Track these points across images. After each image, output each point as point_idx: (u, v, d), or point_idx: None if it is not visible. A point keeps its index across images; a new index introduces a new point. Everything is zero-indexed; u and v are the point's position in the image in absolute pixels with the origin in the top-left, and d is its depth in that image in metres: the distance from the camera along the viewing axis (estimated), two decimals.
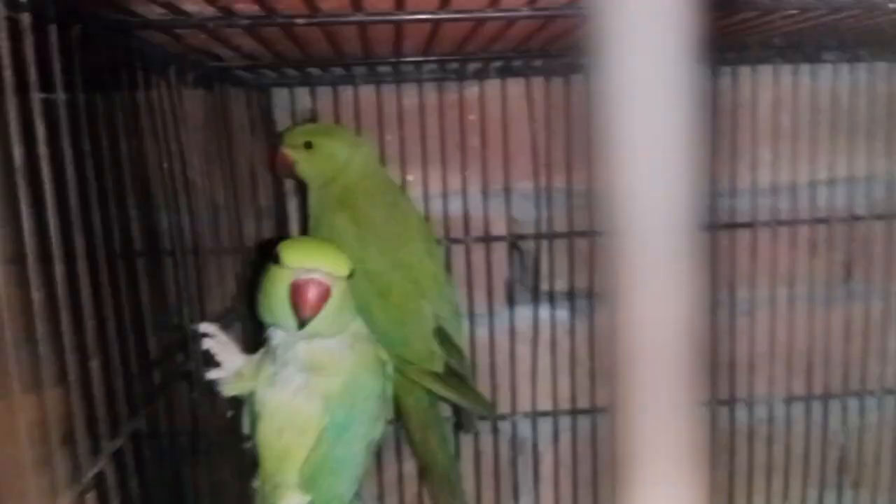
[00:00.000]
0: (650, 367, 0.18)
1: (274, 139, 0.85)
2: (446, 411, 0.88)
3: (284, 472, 0.61)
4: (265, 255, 0.72)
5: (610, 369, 0.18)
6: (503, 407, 0.91)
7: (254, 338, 0.74)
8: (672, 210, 0.17)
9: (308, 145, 0.78)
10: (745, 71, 0.85)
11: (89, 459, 0.36)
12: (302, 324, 0.58)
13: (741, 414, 0.92)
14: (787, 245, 0.89)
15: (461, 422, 0.86)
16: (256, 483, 0.64)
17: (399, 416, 0.86)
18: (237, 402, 0.67)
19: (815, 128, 0.87)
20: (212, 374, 0.61)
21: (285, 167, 0.79)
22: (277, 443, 0.61)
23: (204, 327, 0.59)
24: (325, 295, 0.58)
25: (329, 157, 0.79)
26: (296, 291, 0.58)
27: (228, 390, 0.63)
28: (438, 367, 0.78)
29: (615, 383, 0.18)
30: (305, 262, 0.58)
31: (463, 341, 0.83)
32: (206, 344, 0.60)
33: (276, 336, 0.63)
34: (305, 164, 0.79)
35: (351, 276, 0.61)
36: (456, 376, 0.79)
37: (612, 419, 0.19)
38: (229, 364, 0.62)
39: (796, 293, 0.90)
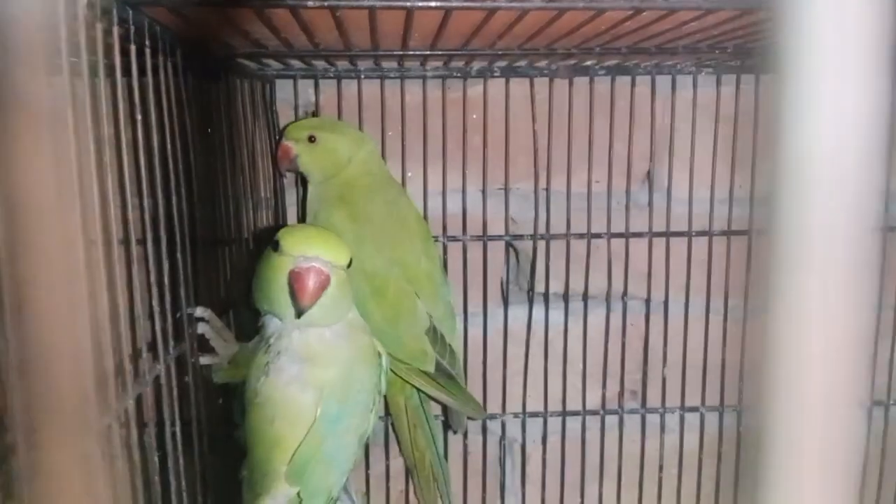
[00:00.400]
0: (814, 370, 0.18)
1: (275, 132, 0.85)
2: (436, 410, 0.88)
3: (273, 462, 0.61)
4: (261, 245, 0.72)
5: (756, 370, 0.18)
6: (493, 407, 0.91)
7: (247, 328, 0.74)
8: (850, 212, 0.17)
9: (311, 139, 0.78)
10: (748, 79, 0.86)
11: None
12: (300, 312, 0.58)
13: (730, 420, 0.93)
14: None
15: (449, 422, 0.86)
16: (244, 472, 0.64)
17: (388, 413, 0.86)
18: (227, 391, 0.67)
19: None
20: (205, 360, 0.61)
21: (287, 160, 0.79)
22: (268, 432, 0.61)
23: (199, 311, 0.59)
24: (324, 283, 0.58)
25: (331, 152, 0.79)
26: (295, 279, 0.57)
27: (220, 377, 0.62)
28: (430, 367, 0.78)
29: (765, 385, 0.18)
30: (306, 250, 0.58)
31: (457, 342, 0.83)
32: (201, 329, 0.60)
33: (271, 325, 0.63)
34: (307, 158, 0.79)
35: (350, 265, 0.61)
36: (447, 376, 0.79)
37: (758, 419, 0.19)
38: (223, 350, 0.62)
39: None
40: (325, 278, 0.58)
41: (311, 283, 0.57)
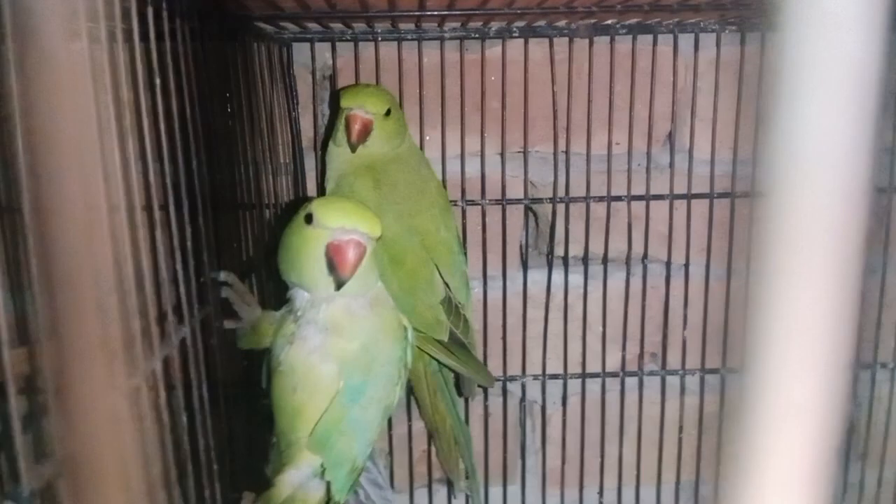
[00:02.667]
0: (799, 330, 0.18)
1: (293, 96, 0.84)
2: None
3: (297, 431, 0.61)
4: (285, 213, 0.72)
5: (741, 332, 0.18)
6: (513, 369, 0.92)
7: (269, 293, 0.75)
8: (848, 174, 0.17)
9: (388, 113, 0.76)
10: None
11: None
12: (340, 284, 0.58)
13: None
14: None
15: (461, 389, 0.87)
16: (273, 439, 0.65)
17: (408, 379, 0.87)
18: (252, 357, 0.68)
19: None
20: (229, 324, 0.62)
21: (366, 133, 0.75)
22: (291, 401, 0.61)
23: (223, 276, 0.59)
24: (362, 255, 0.58)
25: (400, 126, 0.79)
26: (335, 251, 0.57)
27: (244, 343, 0.63)
28: (443, 336, 0.79)
29: (748, 349, 0.18)
30: (344, 222, 0.58)
31: (470, 312, 0.84)
32: (224, 293, 0.60)
33: (299, 296, 0.63)
34: (380, 132, 0.76)
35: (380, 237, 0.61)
36: (460, 345, 0.79)
37: (741, 383, 0.19)
38: (247, 315, 0.62)
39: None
40: (363, 250, 0.58)
41: (350, 255, 0.57)
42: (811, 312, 0.18)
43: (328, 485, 0.62)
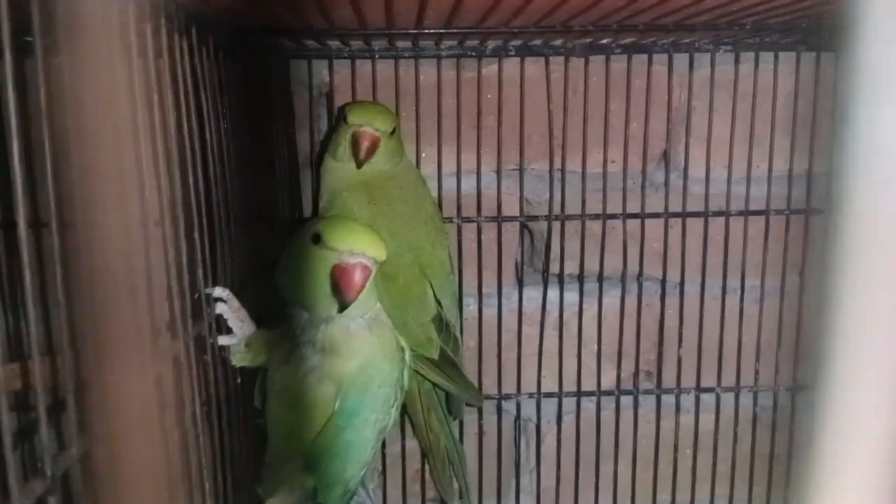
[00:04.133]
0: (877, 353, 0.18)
1: (290, 112, 0.84)
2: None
3: (290, 451, 0.61)
4: (283, 231, 0.72)
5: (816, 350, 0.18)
6: (508, 387, 0.91)
7: (264, 310, 0.75)
8: None
9: (393, 132, 0.77)
10: (767, 57, 0.84)
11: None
12: (343, 307, 0.58)
13: (746, 401, 0.93)
14: (800, 234, 0.88)
15: (449, 407, 0.86)
16: (267, 458, 0.65)
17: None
18: (246, 375, 0.68)
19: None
20: (223, 340, 0.61)
21: (373, 150, 0.75)
22: (285, 421, 0.61)
23: (218, 291, 0.59)
24: (367, 279, 0.58)
25: (401, 145, 0.80)
26: (341, 274, 0.58)
27: (238, 360, 0.63)
28: (434, 354, 0.78)
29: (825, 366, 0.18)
30: (353, 246, 0.58)
31: (459, 331, 0.84)
32: (219, 309, 0.60)
33: (298, 315, 0.63)
34: (386, 149, 0.77)
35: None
36: (450, 364, 0.79)
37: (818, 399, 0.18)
38: (241, 331, 0.62)
39: (807, 282, 0.89)
40: (368, 273, 0.58)
41: (357, 278, 0.57)
42: (888, 326, 0.18)
43: None
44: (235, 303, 0.61)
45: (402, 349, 0.66)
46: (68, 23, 0.22)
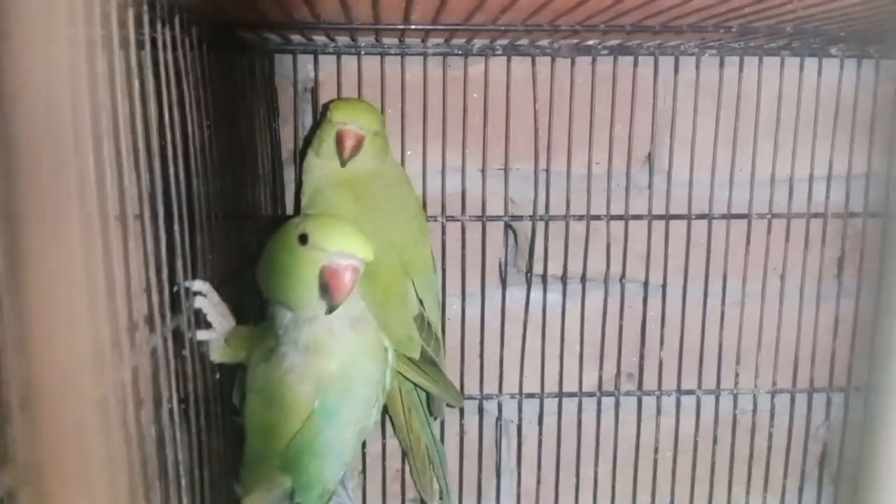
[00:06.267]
0: None
1: (274, 108, 0.84)
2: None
3: (268, 450, 0.60)
4: (266, 228, 0.71)
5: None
6: (490, 388, 0.91)
7: (244, 307, 0.74)
8: None
9: (378, 130, 0.76)
10: (751, 61, 0.85)
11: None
12: (331, 308, 0.57)
13: (726, 403, 0.93)
14: (781, 238, 0.89)
15: (430, 407, 0.86)
16: (245, 457, 0.64)
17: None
18: (224, 372, 0.67)
19: (817, 123, 0.88)
20: (202, 335, 0.60)
21: (358, 149, 0.75)
22: (264, 419, 0.60)
23: (198, 285, 0.58)
24: (356, 280, 0.58)
25: (386, 144, 0.79)
26: (331, 276, 0.57)
27: (217, 356, 0.62)
28: (415, 354, 0.78)
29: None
30: (343, 247, 0.57)
31: (440, 330, 0.84)
32: (199, 303, 0.59)
33: (281, 314, 0.62)
34: (370, 148, 0.76)
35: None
36: (430, 363, 0.79)
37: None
38: (220, 326, 0.61)
39: (787, 287, 0.90)
40: (357, 275, 0.58)
41: (347, 280, 0.57)
42: None
43: None
44: (215, 297, 0.60)
45: (386, 349, 0.66)
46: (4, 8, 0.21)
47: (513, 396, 0.91)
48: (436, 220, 0.86)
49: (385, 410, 0.86)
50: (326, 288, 0.57)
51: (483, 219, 0.87)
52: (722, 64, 0.85)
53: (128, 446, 0.41)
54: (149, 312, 0.49)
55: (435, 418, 0.88)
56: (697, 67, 0.85)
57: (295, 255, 0.58)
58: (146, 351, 0.47)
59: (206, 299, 0.59)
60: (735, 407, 0.93)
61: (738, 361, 0.91)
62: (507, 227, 0.91)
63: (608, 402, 0.93)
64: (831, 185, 0.88)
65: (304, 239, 0.58)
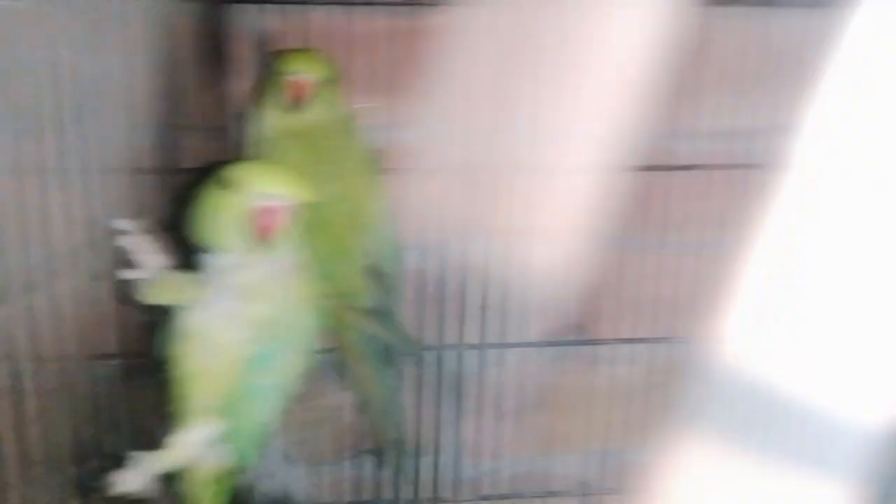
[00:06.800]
0: None
1: (224, 59, 0.83)
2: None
3: (199, 397, 0.60)
4: (203, 177, 0.70)
5: None
6: (449, 339, 0.92)
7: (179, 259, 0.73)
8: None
9: (328, 79, 0.75)
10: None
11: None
12: (259, 249, 0.57)
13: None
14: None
15: (387, 358, 0.87)
16: (172, 407, 0.63)
17: (336, 348, 0.86)
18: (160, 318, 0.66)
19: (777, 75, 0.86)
20: (127, 274, 0.60)
21: (308, 98, 0.75)
22: (195, 366, 0.60)
23: (121, 224, 0.58)
24: (285, 220, 0.57)
25: (337, 95, 0.78)
26: (257, 217, 0.56)
27: (151, 296, 0.61)
28: (365, 303, 0.78)
29: None
30: (268, 187, 0.57)
31: (399, 280, 0.84)
32: (122, 241, 0.59)
33: (213, 259, 0.62)
34: (321, 98, 0.75)
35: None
36: (384, 313, 0.79)
37: None
38: (149, 263, 0.61)
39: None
40: (286, 215, 0.57)
41: (273, 219, 0.56)
42: None
43: (232, 453, 0.61)
44: (142, 236, 0.60)
45: (320, 295, 0.66)
46: None
47: (473, 347, 0.92)
48: (394, 174, 0.85)
49: (339, 361, 0.87)
50: (253, 229, 0.57)
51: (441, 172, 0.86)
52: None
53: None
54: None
55: (392, 369, 0.89)
56: None
57: (223, 198, 0.58)
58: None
59: (132, 237, 0.59)
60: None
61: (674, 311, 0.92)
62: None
63: (560, 351, 0.94)
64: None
65: (230, 182, 0.58)
